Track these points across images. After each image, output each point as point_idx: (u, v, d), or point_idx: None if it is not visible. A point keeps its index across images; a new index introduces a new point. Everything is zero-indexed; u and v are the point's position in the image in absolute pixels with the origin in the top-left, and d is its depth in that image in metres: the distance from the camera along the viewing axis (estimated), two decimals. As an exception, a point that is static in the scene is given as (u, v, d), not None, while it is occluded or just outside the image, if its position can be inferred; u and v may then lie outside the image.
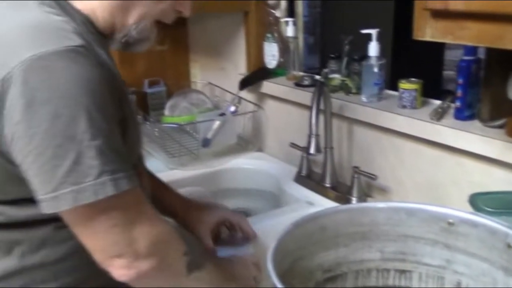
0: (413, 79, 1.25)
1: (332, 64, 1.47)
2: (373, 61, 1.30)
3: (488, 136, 1.04)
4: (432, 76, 2.16)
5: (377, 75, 1.30)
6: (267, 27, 1.64)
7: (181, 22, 1.79)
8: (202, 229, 1.08)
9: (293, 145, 1.48)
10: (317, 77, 1.52)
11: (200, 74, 1.99)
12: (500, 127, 1.06)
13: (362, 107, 1.31)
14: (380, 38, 1.29)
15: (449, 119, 1.16)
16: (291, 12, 1.66)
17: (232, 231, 1.14)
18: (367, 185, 1.34)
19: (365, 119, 1.31)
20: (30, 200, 0.75)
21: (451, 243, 0.84)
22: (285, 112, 1.61)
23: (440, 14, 0.82)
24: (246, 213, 1.52)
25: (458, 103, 1.14)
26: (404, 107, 1.24)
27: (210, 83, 1.89)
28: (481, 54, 1.12)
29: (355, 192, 1.29)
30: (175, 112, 1.78)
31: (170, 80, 1.91)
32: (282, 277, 0.70)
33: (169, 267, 0.81)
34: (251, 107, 1.68)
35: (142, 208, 0.78)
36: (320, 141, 1.21)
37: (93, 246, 0.76)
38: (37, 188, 0.71)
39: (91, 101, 0.70)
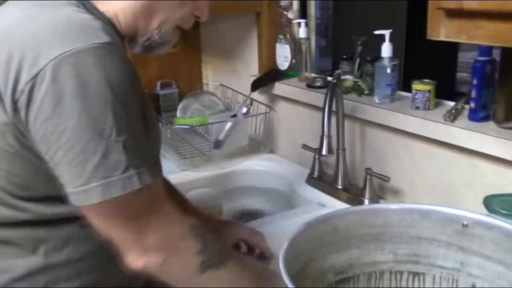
0: (426, 80, 1.24)
1: (345, 65, 1.46)
2: (386, 62, 1.29)
3: (503, 138, 1.03)
4: (445, 78, 2.14)
5: (390, 76, 1.29)
6: (279, 28, 1.64)
7: (193, 24, 1.79)
8: None
9: (305, 147, 1.48)
10: (329, 78, 1.51)
11: (212, 76, 1.99)
12: (515, 128, 1.05)
13: (375, 108, 1.30)
14: (392, 39, 1.29)
15: (463, 120, 1.14)
16: (303, 13, 1.66)
17: (250, 250, 1.14)
18: (379, 187, 1.33)
19: (378, 120, 1.30)
20: (57, 198, 0.77)
21: (465, 245, 0.83)
22: (297, 114, 1.60)
23: (455, 14, 0.81)
24: (258, 214, 1.51)
25: (472, 104, 1.13)
26: (417, 108, 1.23)
27: (222, 85, 1.89)
28: (496, 56, 1.10)
29: (367, 194, 1.28)
30: (187, 114, 1.78)
31: (182, 82, 1.92)
32: (294, 278, 0.69)
33: (178, 264, 0.82)
34: (263, 108, 1.68)
35: (161, 203, 0.80)
36: (332, 142, 1.21)
37: (110, 235, 0.78)
38: (67, 182, 0.73)
39: (118, 98, 0.72)
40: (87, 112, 0.70)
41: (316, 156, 1.44)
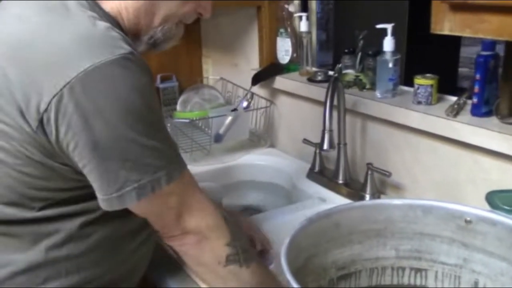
0: (428, 74, 1.23)
1: (346, 60, 1.45)
2: (387, 57, 1.27)
3: (506, 133, 1.02)
4: (447, 73, 2.14)
5: (392, 70, 1.28)
6: (280, 22, 1.63)
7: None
8: None
9: (306, 141, 1.47)
10: (331, 72, 1.50)
11: (212, 70, 1.98)
12: (518, 123, 1.04)
13: (376, 103, 1.29)
14: (394, 33, 1.28)
15: (466, 115, 1.14)
16: (304, 7, 1.65)
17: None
18: (380, 182, 1.32)
19: (379, 115, 1.29)
20: (68, 200, 0.81)
21: (468, 241, 0.83)
22: (297, 108, 1.59)
23: (459, 7, 0.80)
24: (258, 209, 1.51)
25: (475, 99, 1.12)
26: (419, 103, 1.22)
27: (222, 79, 1.88)
28: (499, 51, 1.09)
29: (368, 189, 1.28)
30: (187, 108, 1.78)
31: (182, 75, 1.91)
32: (295, 274, 0.69)
33: (209, 250, 0.85)
34: (263, 102, 1.68)
35: (194, 189, 0.85)
36: (334, 137, 1.20)
37: (149, 220, 0.84)
38: (101, 189, 0.77)
39: (146, 104, 0.75)
40: (119, 121, 0.73)
41: (317, 151, 1.44)
